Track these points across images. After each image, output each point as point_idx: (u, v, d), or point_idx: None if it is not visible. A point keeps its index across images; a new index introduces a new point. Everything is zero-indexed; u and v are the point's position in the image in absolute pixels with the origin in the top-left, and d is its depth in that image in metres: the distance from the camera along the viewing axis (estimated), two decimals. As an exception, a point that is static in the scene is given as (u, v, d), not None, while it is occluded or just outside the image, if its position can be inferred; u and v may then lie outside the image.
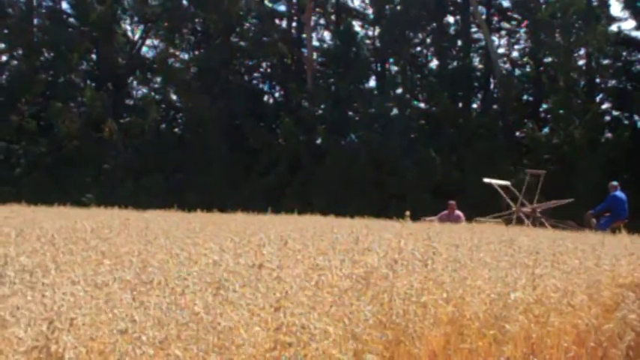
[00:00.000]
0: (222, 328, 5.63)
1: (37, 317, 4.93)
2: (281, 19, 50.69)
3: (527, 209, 26.46)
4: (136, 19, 51.26)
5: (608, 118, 42.68)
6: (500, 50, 47.41)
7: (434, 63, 47.65)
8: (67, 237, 10.02)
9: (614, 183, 24.82)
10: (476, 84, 46.97)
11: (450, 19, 47.95)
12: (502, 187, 27.98)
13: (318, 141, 45.12)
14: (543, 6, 43.93)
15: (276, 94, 50.66)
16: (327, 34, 50.09)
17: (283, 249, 8.68)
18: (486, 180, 28.61)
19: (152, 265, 7.44)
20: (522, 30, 47.26)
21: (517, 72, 46.81)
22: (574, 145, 39.54)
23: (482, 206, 33.36)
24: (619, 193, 24.38)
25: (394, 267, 7.78)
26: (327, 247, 9.47)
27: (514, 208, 26.52)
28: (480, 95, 47.38)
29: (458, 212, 25.69)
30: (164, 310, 5.74)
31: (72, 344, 4.87)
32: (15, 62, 50.16)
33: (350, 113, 46.18)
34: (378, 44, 47.91)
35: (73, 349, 4.88)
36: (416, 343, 7.05)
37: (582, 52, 43.21)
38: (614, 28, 43.10)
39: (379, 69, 48.05)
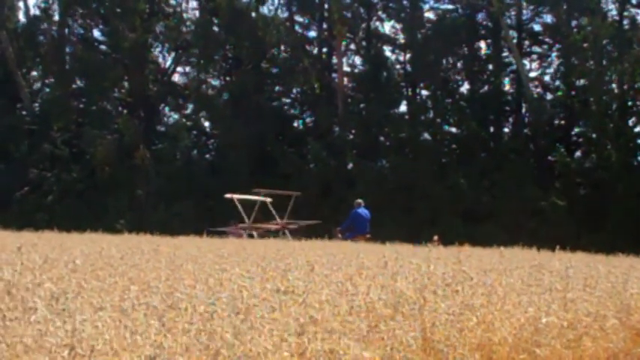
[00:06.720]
0: (252, 354, 5.55)
1: (59, 344, 4.87)
2: (311, 45, 50.80)
3: (273, 225, 31.21)
4: (167, 46, 51.51)
5: (640, 141, 42.25)
6: (532, 74, 47.16)
7: (465, 87, 47.48)
8: (94, 263, 10.00)
9: (359, 200, 27.19)
10: (507, 108, 46.73)
11: (481, 43, 47.87)
12: (258, 202, 31.81)
13: (349, 166, 45.07)
14: (575, 30, 43.71)
15: (307, 119, 50.68)
16: (357, 59, 50.08)
17: (310, 274, 8.63)
18: (228, 195, 31.52)
19: (180, 291, 7.37)
20: (554, 54, 47.07)
21: (548, 96, 46.50)
22: (609, 169, 39.11)
23: (511, 229, 33.31)
24: (361, 210, 26.84)
25: (424, 292, 7.70)
26: (354, 272, 9.41)
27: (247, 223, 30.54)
28: (510, 119, 47.08)
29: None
30: (192, 336, 5.66)
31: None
32: (47, 90, 50.55)
33: (380, 138, 46.14)
34: (408, 69, 47.84)
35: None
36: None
37: (614, 75, 42.85)
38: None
39: (410, 94, 47.95)
